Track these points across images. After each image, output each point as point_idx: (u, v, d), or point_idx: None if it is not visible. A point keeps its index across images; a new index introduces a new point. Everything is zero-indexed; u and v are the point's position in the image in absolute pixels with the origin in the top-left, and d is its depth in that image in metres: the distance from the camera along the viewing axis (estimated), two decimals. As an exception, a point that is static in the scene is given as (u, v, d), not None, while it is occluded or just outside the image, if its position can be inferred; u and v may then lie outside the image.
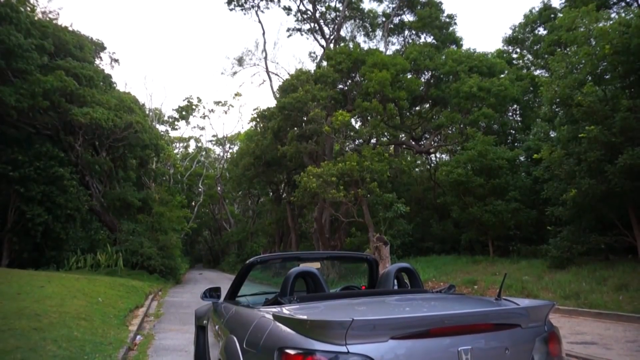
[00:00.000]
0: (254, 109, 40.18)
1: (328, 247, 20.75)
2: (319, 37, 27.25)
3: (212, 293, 3.92)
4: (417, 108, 24.66)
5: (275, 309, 2.47)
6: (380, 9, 27.30)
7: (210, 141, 46.85)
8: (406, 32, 26.84)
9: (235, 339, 2.55)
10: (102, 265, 17.22)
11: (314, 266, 3.60)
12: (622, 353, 5.42)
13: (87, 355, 5.08)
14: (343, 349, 1.83)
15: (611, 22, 11.17)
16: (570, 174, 11.25)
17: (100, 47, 23.20)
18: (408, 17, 26.46)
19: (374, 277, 4.03)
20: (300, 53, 69.15)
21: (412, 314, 2.28)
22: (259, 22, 48.54)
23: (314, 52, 34.43)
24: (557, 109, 13.26)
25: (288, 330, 2.04)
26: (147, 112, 31.25)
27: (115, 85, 23.22)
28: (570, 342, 6.00)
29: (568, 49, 12.70)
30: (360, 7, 26.78)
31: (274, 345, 2.02)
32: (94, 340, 5.81)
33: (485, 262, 14.85)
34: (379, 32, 27.29)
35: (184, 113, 40.26)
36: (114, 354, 5.40)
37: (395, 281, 3.39)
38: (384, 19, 26.56)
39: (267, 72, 27.92)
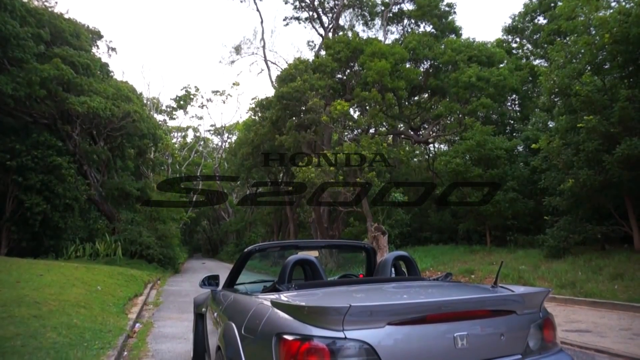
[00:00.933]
0: (253, 99, 39.98)
1: (326, 237, 20.82)
2: (317, 26, 27.05)
3: (210, 281, 3.93)
4: (416, 98, 24.56)
5: (273, 296, 2.49)
6: (379, -3, 27.06)
7: (209, 131, 46.77)
8: (405, 21, 26.61)
9: (233, 325, 2.57)
10: (101, 254, 17.25)
11: (312, 254, 3.61)
12: (616, 341, 5.48)
13: (86, 342, 5.11)
14: (340, 334, 1.84)
15: (611, 11, 11.09)
16: (568, 164, 11.27)
17: (97, 35, 22.94)
18: (407, 6, 26.20)
19: (372, 266, 4.04)
20: (299, 42, 68.73)
21: (409, 300, 2.31)
22: (257, 10, 48.40)
23: (312, 41, 34.24)
24: (555, 99, 13.22)
25: (286, 316, 2.05)
26: (145, 101, 31.06)
27: (112, 74, 23.01)
28: (565, 330, 6.07)
29: (567, 39, 12.63)
30: (359, -5, 26.51)
31: (272, 331, 2.03)
32: (93, 327, 5.85)
33: (483, 251, 14.92)
34: (377, 21, 27.05)
35: (181, 102, 40.06)
36: (113, 341, 5.44)
37: (393, 269, 3.41)
38: (383, 8, 26.29)
39: (266, 61, 27.84)
